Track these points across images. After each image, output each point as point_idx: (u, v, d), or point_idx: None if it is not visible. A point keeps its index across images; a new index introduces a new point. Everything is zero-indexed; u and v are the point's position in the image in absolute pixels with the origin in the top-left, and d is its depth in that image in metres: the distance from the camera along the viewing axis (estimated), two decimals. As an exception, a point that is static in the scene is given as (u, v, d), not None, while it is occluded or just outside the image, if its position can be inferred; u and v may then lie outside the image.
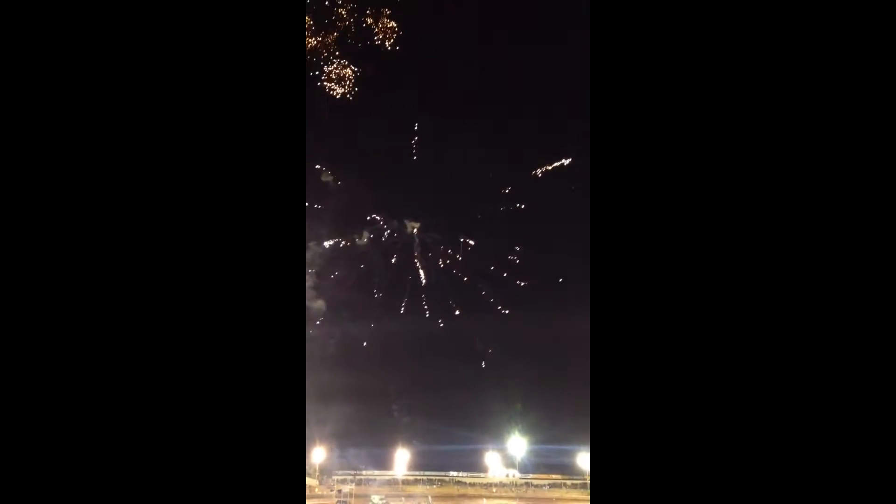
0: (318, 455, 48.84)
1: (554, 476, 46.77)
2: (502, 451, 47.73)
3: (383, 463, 50.08)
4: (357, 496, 43.34)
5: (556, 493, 44.88)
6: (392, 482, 48.92)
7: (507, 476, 47.34)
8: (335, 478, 49.27)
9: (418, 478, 49.85)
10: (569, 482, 45.85)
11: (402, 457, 49.43)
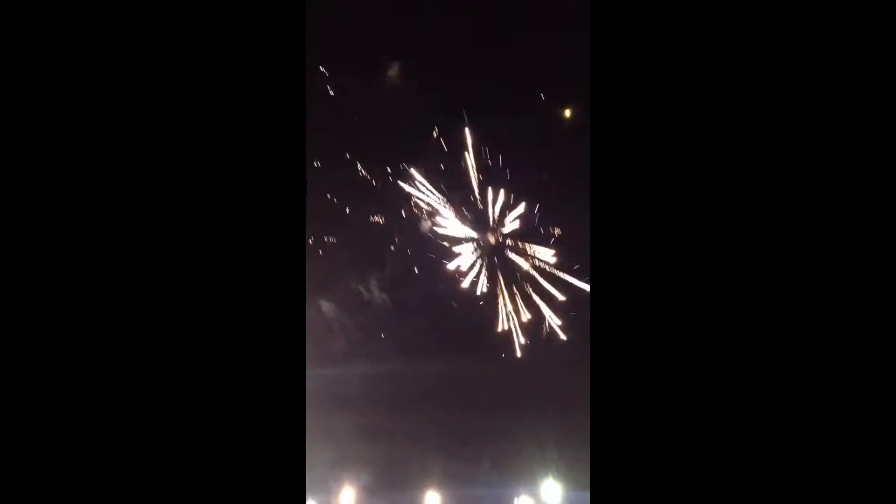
0: (346, 497, 48.07)
1: (591, 524, 44.37)
2: (535, 496, 45.84)
3: (413, 506, 48.68)
4: (386, 541, 42.03)
5: (594, 544, 42.39)
6: (422, 527, 47.47)
7: (542, 523, 45.22)
8: (364, 521, 48.11)
9: (449, 523, 48.14)
10: (607, 532, 43.29)
11: (432, 500, 48.02)
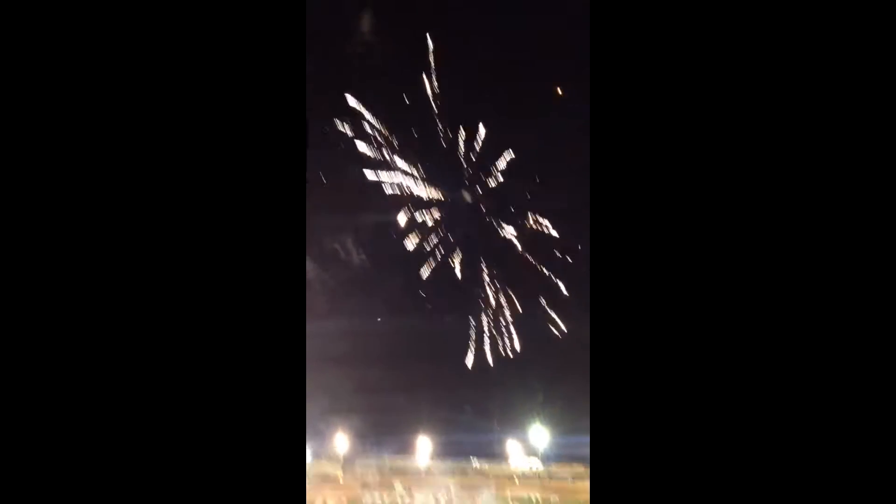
0: (340, 443, 49.73)
1: (577, 467, 46.49)
2: (524, 441, 47.68)
3: (406, 451, 50.61)
4: (380, 484, 43.79)
5: (581, 485, 44.53)
6: (415, 470, 49.42)
7: (530, 467, 47.26)
8: (358, 467, 50.02)
9: (440, 466, 50.27)
10: (592, 473, 45.37)
11: (424, 445, 49.85)
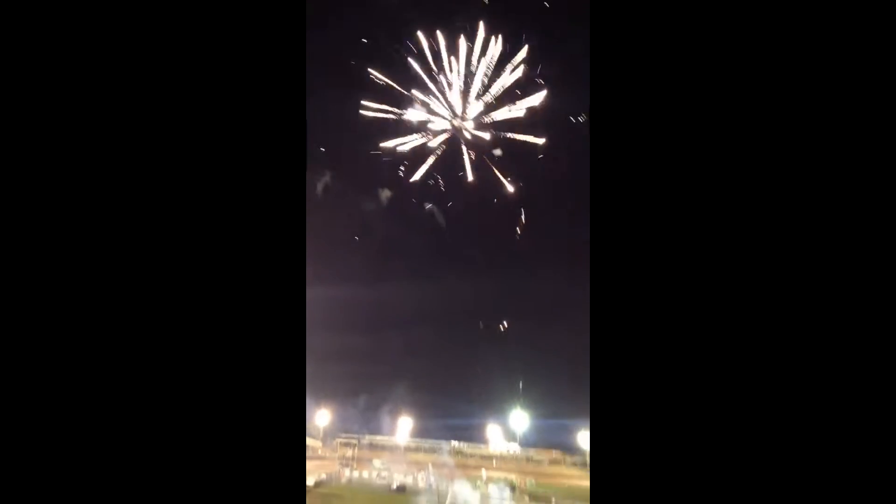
0: (321, 418, 49.99)
1: (554, 452, 47.19)
2: (503, 424, 48.22)
3: (386, 429, 51.03)
4: (359, 460, 44.12)
5: (556, 469, 45.20)
6: (394, 448, 49.83)
7: (508, 450, 47.85)
8: (338, 441, 50.43)
9: (420, 445, 50.77)
10: (568, 459, 46.32)
11: (404, 424, 50.26)
